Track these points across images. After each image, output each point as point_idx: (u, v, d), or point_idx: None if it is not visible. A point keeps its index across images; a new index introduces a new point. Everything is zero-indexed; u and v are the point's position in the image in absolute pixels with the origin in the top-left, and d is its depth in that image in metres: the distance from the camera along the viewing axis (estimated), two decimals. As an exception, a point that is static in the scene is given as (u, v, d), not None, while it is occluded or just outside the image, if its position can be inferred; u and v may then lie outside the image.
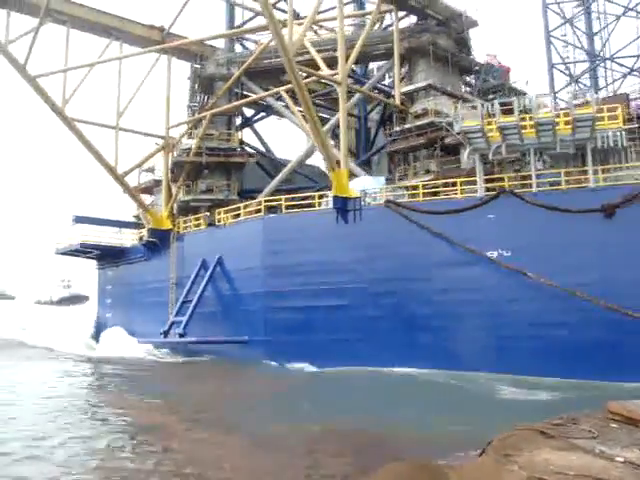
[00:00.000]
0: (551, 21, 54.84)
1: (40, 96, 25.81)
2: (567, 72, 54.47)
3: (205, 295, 25.86)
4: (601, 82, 52.53)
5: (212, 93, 30.10)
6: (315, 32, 31.31)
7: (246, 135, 33.19)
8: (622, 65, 51.32)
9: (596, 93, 34.92)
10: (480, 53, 39.13)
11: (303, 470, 9.15)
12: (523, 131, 20.96)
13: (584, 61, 54.02)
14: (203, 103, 30.60)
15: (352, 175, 26.06)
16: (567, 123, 20.57)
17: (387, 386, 18.35)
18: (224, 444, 10.92)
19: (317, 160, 36.42)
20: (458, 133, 21.70)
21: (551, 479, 4.35)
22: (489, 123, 21.58)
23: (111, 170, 27.41)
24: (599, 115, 20.48)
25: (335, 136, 32.00)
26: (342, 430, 11.87)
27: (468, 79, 31.61)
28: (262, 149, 33.25)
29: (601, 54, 53.80)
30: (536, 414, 7.23)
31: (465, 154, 22.05)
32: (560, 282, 19.56)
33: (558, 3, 55.27)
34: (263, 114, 33.75)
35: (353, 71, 30.25)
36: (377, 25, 29.52)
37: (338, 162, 22.92)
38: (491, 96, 35.90)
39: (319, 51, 25.80)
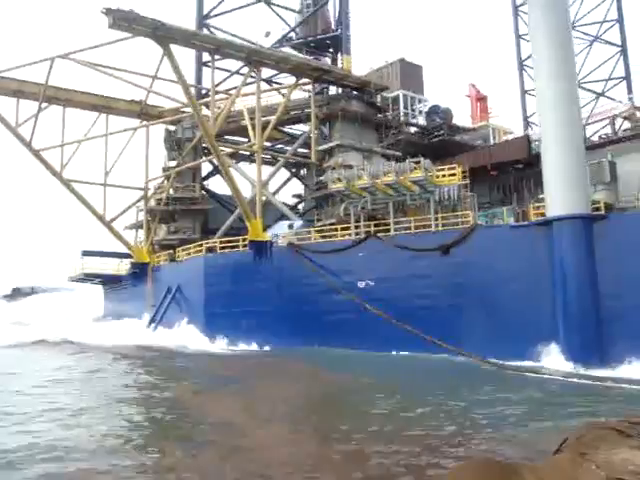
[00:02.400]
0: (525, 50, 59.27)
1: (43, 165, 33.98)
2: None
3: (167, 312, 33.41)
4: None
5: (182, 151, 37.51)
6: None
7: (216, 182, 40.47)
8: (589, 90, 55.11)
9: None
10: (430, 93, 44.85)
11: (376, 467, 9.23)
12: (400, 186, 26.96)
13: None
14: (177, 159, 38.09)
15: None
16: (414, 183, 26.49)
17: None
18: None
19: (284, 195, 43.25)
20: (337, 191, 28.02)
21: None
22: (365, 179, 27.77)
23: (100, 218, 35.27)
24: (433, 175, 26.30)
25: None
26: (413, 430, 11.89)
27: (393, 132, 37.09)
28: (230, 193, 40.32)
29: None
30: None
31: (341, 207, 28.35)
32: (406, 305, 25.56)
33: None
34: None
35: (285, 133, 36.82)
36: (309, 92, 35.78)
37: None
38: (441, 132, 41.81)
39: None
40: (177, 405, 15.71)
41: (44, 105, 33.88)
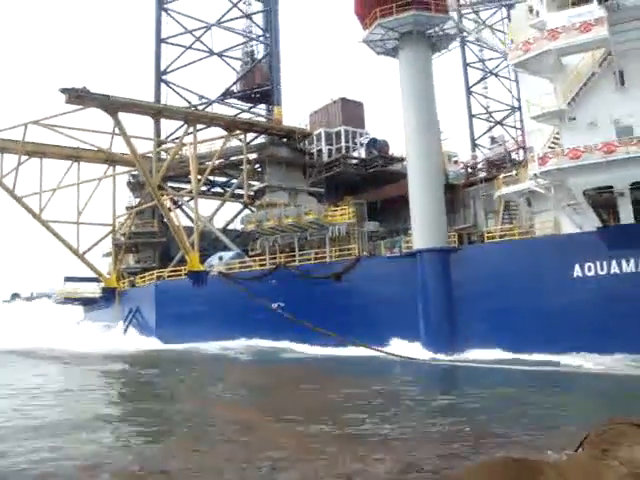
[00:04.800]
0: (472, 77, 64.84)
1: (24, 209, 40.60)
2: (492, 119, 64.29)
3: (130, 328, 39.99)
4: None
5: (143, 191, 43.90)
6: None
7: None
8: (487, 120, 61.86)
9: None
10: (386, 124, 50.76)
11: (399, 465, 8.98)
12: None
13: (501, 110, 63.54)
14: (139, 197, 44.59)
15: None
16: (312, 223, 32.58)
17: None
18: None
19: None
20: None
21: None
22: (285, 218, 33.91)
23: (75, 252, 41.83)
24: (326, 215, 32.37)
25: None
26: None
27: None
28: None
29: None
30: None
31: (257, 243, 34.52)
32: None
33: (483, 61, 65.07)
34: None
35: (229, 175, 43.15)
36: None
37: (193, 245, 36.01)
38: (377, 163, 47.64)
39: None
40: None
41: (24, 158, 40.57)
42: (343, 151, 47.60)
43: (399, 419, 13.29)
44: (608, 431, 5.32)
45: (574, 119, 26.30)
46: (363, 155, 49.16)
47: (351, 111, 51.11)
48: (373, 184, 44.05)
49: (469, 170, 42.22)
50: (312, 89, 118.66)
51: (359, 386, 18.80)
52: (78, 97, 33.17)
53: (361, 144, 50.28)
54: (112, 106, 33.77)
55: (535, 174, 26.16)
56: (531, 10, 28.60)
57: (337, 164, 45.28)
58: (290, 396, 18.12)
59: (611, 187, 25.27)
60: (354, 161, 48.20)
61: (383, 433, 11.52)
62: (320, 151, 46.92)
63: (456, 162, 47.28)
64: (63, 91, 33.07)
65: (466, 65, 64.93)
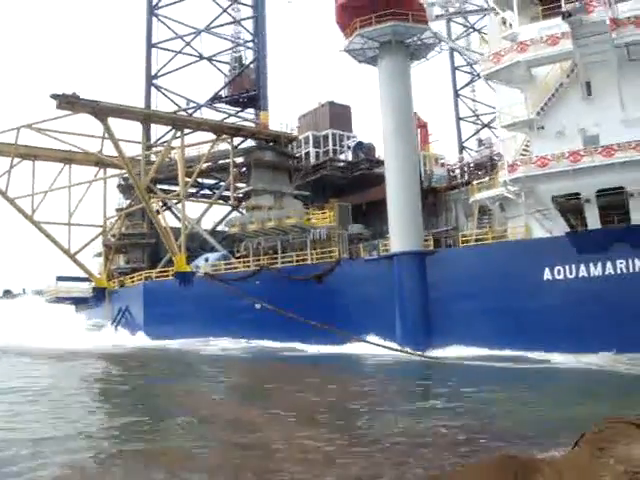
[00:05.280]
0: (460, 80, 65.95)
1: (17, 210, 41.57)
2: (480, 122, 65.39)
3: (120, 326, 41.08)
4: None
5: (133, 194, 44.86)
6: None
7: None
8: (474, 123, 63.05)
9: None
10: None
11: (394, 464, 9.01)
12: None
13: (488, 113, 64.60)
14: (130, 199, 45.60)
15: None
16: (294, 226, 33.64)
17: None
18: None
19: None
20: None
21: None
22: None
23: (66, 252, 42.82)
24: (307, 218, 33.43)
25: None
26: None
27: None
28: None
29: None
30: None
31: (242, 245, 35.57)
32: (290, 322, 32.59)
33: (471, 64, 66.06)
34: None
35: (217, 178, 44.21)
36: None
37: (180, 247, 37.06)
38: (362, 166, 48.63)
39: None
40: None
41: (17, 161, 41.54)
42: (330, 154, 48.66)
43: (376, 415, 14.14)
44: (605, 430, 5.37)
45: (543, 128, 27.34)
46: (350, 158, 50.26)
47: (338, 114, 52.12)
48: (359, 187, 45.03)
49: (451, 174, 43.23)
50: (301, 92, 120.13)
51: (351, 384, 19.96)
52: (68, 103, 34.15)
53: (348, 147, 51.30)
54: (101, 112, 34.74)
55: (505, 181, 27.21)
56: (504, 22, 29.64)
57: (324, 167, 46.26)
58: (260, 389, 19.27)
59: (578, 194, 26.31)
60: (341, 164, 49.23)
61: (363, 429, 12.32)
62: (308, 154, 47.92)
63: (443, 164, 48.37)
64: (54, 97, 34.05)
65: (454, 68, 66.10)
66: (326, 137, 50.17)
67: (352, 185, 46.29)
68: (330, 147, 49.75)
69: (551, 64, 26.97)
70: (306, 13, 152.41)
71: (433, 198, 40.14)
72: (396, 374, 24.12)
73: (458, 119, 65.27)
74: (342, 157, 50.48)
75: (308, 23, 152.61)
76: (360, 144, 50.82)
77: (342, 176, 47.32)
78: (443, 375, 23.13)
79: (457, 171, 43.02)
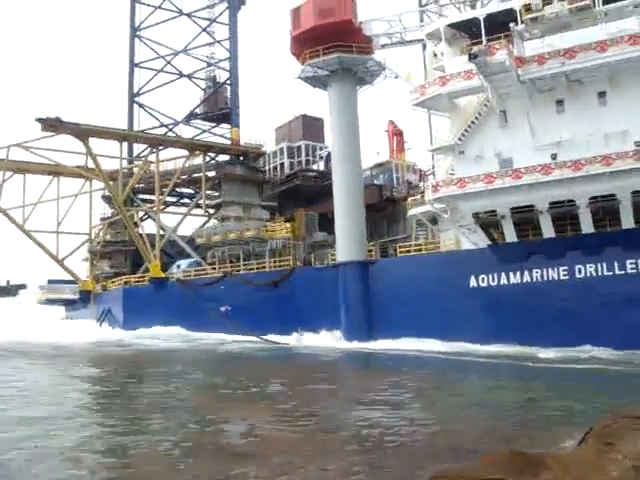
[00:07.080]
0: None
1: (10, 221, 45.46)
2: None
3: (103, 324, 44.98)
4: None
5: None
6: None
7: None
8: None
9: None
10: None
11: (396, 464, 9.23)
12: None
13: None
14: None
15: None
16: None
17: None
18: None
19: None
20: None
21: None
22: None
23: (54, 258, 46.71)
24: (266, 230, 37.04)
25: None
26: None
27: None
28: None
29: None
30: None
31: (208, 254, 39.27)
32: (252, 323, 36.24)
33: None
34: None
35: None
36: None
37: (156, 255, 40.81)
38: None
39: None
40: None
41: (8, 175, 45.45)
42: (303, 164, 52.08)
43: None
44: (612, 425, 5.36)
45: (463, 152, 30.74)
46: (322, 168, 53.61)
47: (311, 126, 55.52)
48: (329, 195, 48.41)
49: (411, 184, 46.57)
50: (277, 105, 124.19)
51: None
52: (52, 126, 37.92)
53: (320, 157, 54.62)
54: (82, 133, 38.49)
55: (429, 199, 30.64)
56: (435, 55, 33.05)
57: (296, 176, 49.62)
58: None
59: (495, 211, 29.68)
60: (313, 174, 52.56)
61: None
62: (283, 164, 51.30)
63: (415, 171, 51.84)
64: (39, 120, 37.83)
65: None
66: (299, 148, 53.58)
67: (323, 194, 49.58)
68: (303, 157, 53.16)
69: (469, 95, 30.32)
70: (281, 29, 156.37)
71: (392, 208, 43.60)
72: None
73: (430, 127, 68.30)
74: (315, 167, 53.83)
75: (283, 39, 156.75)
76: (331, 154, 54.14)
77: (314, 185, 50.65)
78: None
79: (414, 181, 46.37)
